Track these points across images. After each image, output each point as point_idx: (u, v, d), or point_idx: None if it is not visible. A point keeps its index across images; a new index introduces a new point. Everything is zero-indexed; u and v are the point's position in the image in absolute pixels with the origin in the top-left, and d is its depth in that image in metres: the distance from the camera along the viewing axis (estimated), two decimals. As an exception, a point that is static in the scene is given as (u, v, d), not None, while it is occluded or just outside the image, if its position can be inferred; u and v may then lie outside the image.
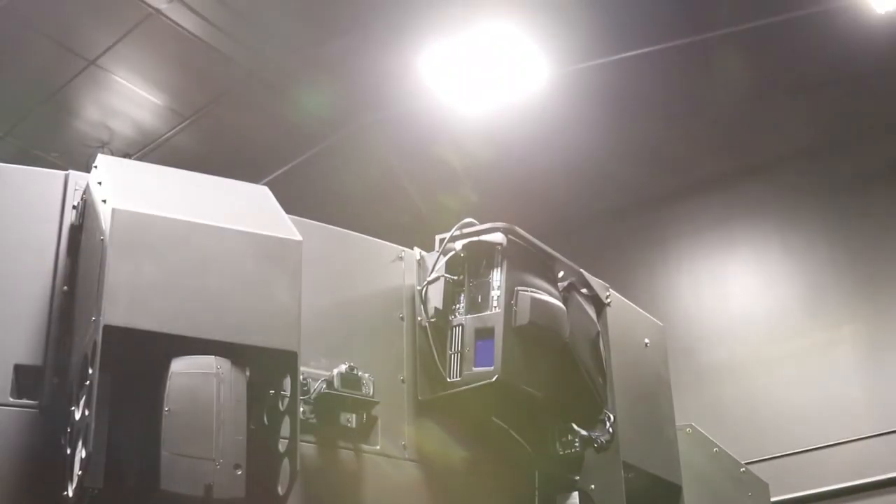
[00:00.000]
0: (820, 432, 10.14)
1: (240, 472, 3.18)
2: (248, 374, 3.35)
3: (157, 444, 3.14)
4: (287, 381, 3.47)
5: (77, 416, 3.31)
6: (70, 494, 3.27)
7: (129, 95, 10.00)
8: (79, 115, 10.28)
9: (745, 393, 10.70)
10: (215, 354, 3.28)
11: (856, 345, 10.38)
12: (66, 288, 3.82)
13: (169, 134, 10.47)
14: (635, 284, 9.83)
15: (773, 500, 6.68)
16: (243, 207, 3.74)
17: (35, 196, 3.92)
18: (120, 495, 3.27)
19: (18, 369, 3.67)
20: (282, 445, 3.47)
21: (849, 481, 9.85)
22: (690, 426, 6.41)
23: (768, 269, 11.19)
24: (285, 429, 3.47)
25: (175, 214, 3.41)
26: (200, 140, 10.52)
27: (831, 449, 10.07)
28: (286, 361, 3.41)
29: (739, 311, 11.16)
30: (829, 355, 10.47)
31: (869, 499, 9.81)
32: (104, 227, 3.33)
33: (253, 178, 3.97)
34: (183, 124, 10.37)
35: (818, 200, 10.93)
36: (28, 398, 3.67)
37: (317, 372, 4.01)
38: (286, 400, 3.49)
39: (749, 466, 6.61)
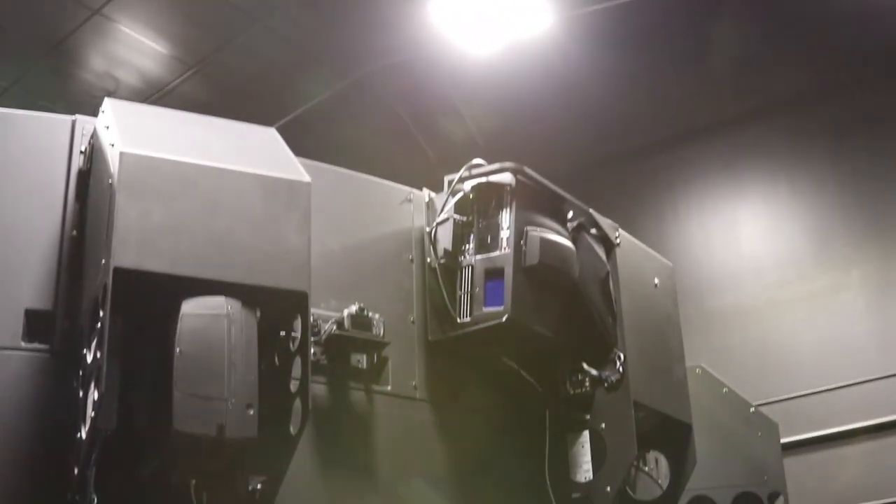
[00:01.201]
0: (829, 374, 10.16)
1: (252, 412, 3.20)
2: (258, 315, 3.36)
3: (169, 385, 3.15)
4: (298, 322, 3.48)
5: (89, 358, 3.32)
6: (83, 437, 3.29)
7: (135, 45, 9.95)
8: (84, 66, 10.24)
9: (754, 336, 10.71)
10: (225, 295, 3.29)
11: (864, 287, 10.38)
12: (75, 233, 3.83)
13: (175, 83, 10.44)
14: (644, 228, 9.76)
15: (782, 441, 6.69)
16: (252, 149, 3.73)
17: (42, 142, 3.92)
18: (133, 436, 3.29)
19: (29, 314, 3.69)
20: (293, 386, 3.48)
21: (857, 422, 9.88)
22: (700, 367, 6.41)
23: (777, 212, 11.16)
24: (296, 370, 3.48)
25: (183, 157, 3.41)
26: (206, 88, 10.48)
27: (840, 391, 10.09)
28: (296, 302, 3.42)
29: (748, 254, 11.15)
30: (838, 298, 10.47)
31: (878, 440, 9.83)
32: (112, 170, 3.32)
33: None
34: (188, 73, 10.34)
35: (827, 143, 10.88)
36: (39, 342, 3.69)
37: (327, 313, 4.02)
38: (297, 341, 3.50)
39: (758, 408, 6.62)
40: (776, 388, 9.93)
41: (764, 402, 7.12)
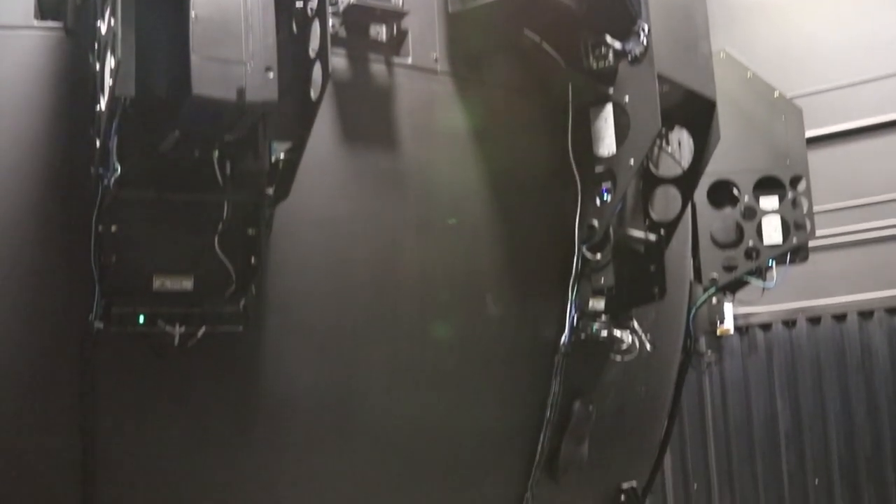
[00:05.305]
0: (854, 68, 10.03)
1: (271, 75, 3.13)
2: (272, -23, 3.27)
3: (187, 49, 3.09)
4: None
5: (103, 29, 3.25)
6: (103, 108, 3.25)
7: None
8: None
9: (779, 31, 10.49)
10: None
11: (893, -21, 10.12)
12: None
13: None
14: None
15: (806, 136, 6.64)
16: None
17: None
18: (152, 103, 3.25)
19: (40, -9, 3.63)
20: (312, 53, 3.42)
21: (883, 116, 9.83)
22: (724, 51, 6.31)
23: None
24: (314, 42, 3.42)
25: None
26: None
27: (865, 85, 9.98)
28: None
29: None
30: (866, -8, 10.23)
31: (896, 134, 9.82)
32: None
33: None
34: None
35: None
36: (53, 20, 3.63)
37: (346, -18, 3.92)
38: (314, 10, 3.41)
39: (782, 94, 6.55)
40: (800, 83, 9.79)
41: (788, 96, 7.03)
